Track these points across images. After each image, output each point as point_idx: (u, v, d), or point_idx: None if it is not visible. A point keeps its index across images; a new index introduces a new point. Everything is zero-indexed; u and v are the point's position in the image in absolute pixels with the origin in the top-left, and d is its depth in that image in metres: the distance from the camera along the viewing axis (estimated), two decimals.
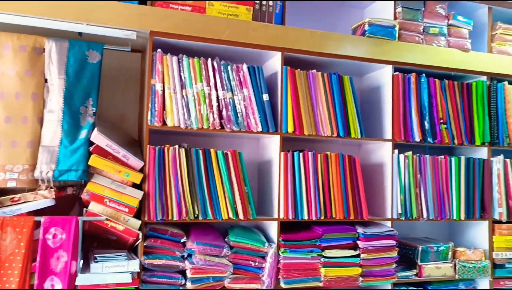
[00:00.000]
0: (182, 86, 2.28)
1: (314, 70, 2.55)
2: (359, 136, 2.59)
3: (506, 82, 2.94)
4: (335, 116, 2.55)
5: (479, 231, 2.91)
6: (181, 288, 2.21)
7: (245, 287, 2.31)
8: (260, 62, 2.67)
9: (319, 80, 2.54)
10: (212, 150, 2.31)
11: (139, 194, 2.15)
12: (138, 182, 2.17)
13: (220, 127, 2.33)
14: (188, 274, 2.20)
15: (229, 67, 2.37)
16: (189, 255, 2.24)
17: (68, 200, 2.27)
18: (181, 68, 2.29)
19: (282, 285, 2.37)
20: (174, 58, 2.28)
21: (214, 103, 2.31)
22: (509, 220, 2.86)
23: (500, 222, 2.86)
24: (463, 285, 2.80)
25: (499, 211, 2.83)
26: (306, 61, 2.63)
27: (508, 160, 2.90)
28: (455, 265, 2.74)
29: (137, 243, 2.20)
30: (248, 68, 2.40)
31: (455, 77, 2.93)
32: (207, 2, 2.38)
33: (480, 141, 2.84)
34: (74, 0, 2.10)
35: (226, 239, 2.32)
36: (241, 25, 2.38)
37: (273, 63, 2.57)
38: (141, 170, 2.20)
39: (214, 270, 2.24)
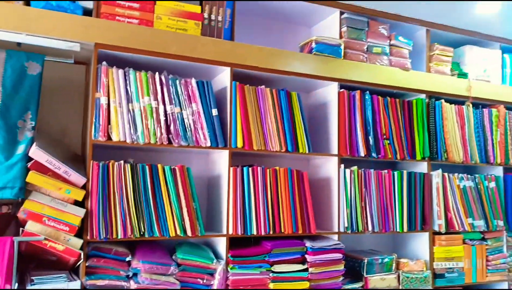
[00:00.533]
0: (128, 100, 2.23)
1: (263, 86, 2.58)
2: (307, 151, 2.64)
3: (443, 100, 3.11)
4: (283, 131, 2.58)
5: (420, 242, 3.03)
6: None
7: None
8: (209, 77, 2.66)
9: (267, 96, 2.57)
10: (159, 166, 2.26)
11: (81, 211, 2.06)
12: (80, 199, 2.08)
13: (167, 142, 2.29)
14: None
15: (177, 82, 2.35)
16: (135, 274, 2.17)
17: (3, 220, 2.14)
18: (128, 82, 2.24)
19: None
20: (120, 71, 2.23)
21: (162, 118, 2.27)
22: (447, 231, 3.00)
23: (439, 233, 2.99)
24: None
25: (439, 223, 2.97)
26: (255, 76, 2.66)
27: (446, 174, 3.05)
28: (399, 276, 2.83)
29: (78, 263, 2.09)
30: (197, 82, 2.39)
31: (397, 94, 3.06)
32: (155, 15, 2.35)
33: (420, 156, 2.97)
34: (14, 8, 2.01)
35: (173, 257, 2.27)
36: (189, 39, 2.37)
37: (222, 78, 2.57)
38: (84, 187, 2.11)
39: (160, 289, 2.17)
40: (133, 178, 2.19)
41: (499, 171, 3.30)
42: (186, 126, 2.33)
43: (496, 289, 3.26)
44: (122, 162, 2.18)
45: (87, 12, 2.24)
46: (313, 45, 2.72)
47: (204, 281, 2.30)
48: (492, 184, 3.22)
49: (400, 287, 2.82)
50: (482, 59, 3.32)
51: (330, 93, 2.85)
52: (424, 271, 2.89)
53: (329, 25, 2.95)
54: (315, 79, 2.74)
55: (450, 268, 2.99)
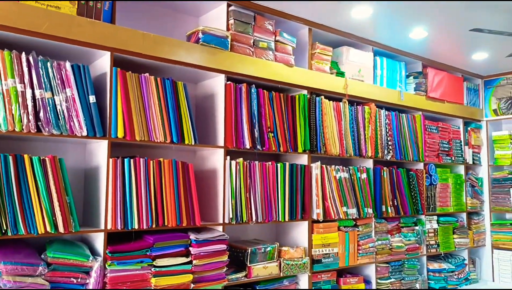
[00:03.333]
0: None
1: (147, 74, 2.47)
2: (193, 143, 2.60)
3: (323, 97, 3.31)
4: (168, 122, 2.51)
5: (300, 230, 3.19)
6: None
7: None
8: (87, 61, 2.48)
9: (152, 85, 2.48)
10: (26, 156, 2.04)
11: None
12: None
13: (36, 130, 2.07)
14: None
15: (48, 64, 2.13)
16: None
17: None
18: None
19: None
20: None
21: (29, 103, 2.04)
22: (325, 220, 3.20)
23: (317, 221, 3.18)
24: (287, 281, 3.03)
25: (317, 212, 3.16)
26: (138, 64, 2.54)
27: (324, 166, 3.25)
28: (280, 264, 2.95)
29: None
30: (72, 66, 2.20)
31: (281, 89, 3.17)
32: None
33: (302, 149, 3.12)
34: None
35: (42, 256, 2.07)
36: (63, 18, 2.17)
37: (102, 63, 2.41)
38: None
39: None
40: None
41: (369, 164, 3.61)
42: (59, 113, 2.13)
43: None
44: None
45: None
46: (200, 35, 2.68)
47: (79, 280, 2.14)
48: (364, 175, 3.52)
49: (281, 274, 2.94)
50: (357, 60, 3.60)
51: (217, 85, 2.85)
52: (303, 257, 3.05)
53: (216, 16, 2.94)
54: (202, 70, 2.71)
55: (327, 253, 3.19)
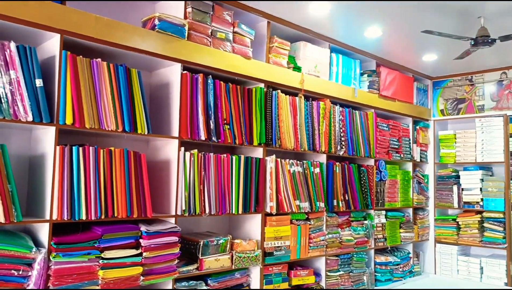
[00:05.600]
0: None
1: (99, 59, 2.38)
2: (146, 132, 2.53)
3: (279, 91, 3.32)
4: (120, 109, 2.43)
5: (253, 223, 3.20)
6: None
7: None
8: (35, 43, 2.35)
9: (104, 70, 2.39)
10: None
11: None
12: None
13: None
14: None
15: None
16: None
17: None
18: None
19: None
20: None
21: None
22: (278, 213, 3.23)
23: (271, 214, 3.20)
24: (239, 274, 3.03)
25: (270, 205, 3.18)
26: (90, 48, 2.43)
27: (278, 160, 3.27)
28: (232, 256, 2.94)
29: None
30: (18, 47, 2.08)
31: (238, 81, 3.16)
32: None
33: (257, 142, 3.13)
34: None
35: None
36: None
37: (51, 45, 2.29)
38: None
39: None
40: None
41: (323, 158, 3.68)
42: (1, 96, 2.01)
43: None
44: None
45: None
46: (156, 22, 2.61)
47: (20, 272, 2.04)
48: (317, 170, 3.57)
49: (233, 267, 2.94)
50: (314, 56, 3.64)
51: (172, 73, 2.79)
52: (256, 250, 3.06)
53: (174, 4, 2.87)
54: (157, 58, 2.64)
55: (278, 246, 3.23)
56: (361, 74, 4.20)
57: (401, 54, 4.24)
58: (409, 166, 4.72)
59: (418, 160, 4.84)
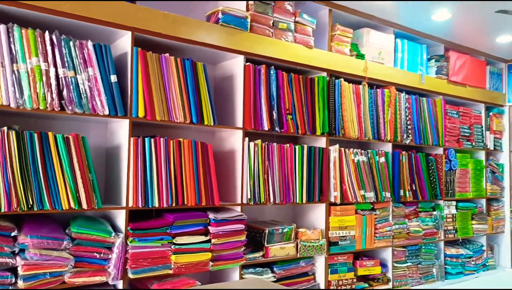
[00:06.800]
0: (13, 59, 2.00)
1: (167, 54, 2.48)
2: (212, 123, 2.62)
3: (342, 79, 3.28)
4: (188, 102, 2.53)
5: (318, 212, 3.20)
6: (11, 287, 1.95)
7: (89, 280, 2.15)
8: (109, 40, 2.50)
9: (172, 65, 2.49)
10: (50, 134, 2.09)
11: None
12: None
13: (60, 108, 2.11)
14: (20, 271, 1.96)
15: (71, 43, 2.16)
16: (22, 250, 2.00)
17: None
18: (12, 39, 2.01)
19: (130, 275, 2.27)
20: (2, 26, 1.99)
21: (53, 82, 2.08)
22: (342, 202, 3.20)
23: (335, 204, 3.18)
24: (304, 262, 3.05)
25: (334, 195, 3.16)
26: (158, 44, 2.55)
27: (342, 149, 3.24)
28: (297, 245, 2.97)
29: None
30: (94, 45, 2.23)
31: (300, 71, 3.15)
32: None
33: (320, 132, 3.12)
34: None
35: (67, 231, 2.12)
36: None
37: (123, 42, 2.43)
38: None
39: (51, 265, 2.04)
40: (19, 147, 2.00)
41: (388, 147, 3.58)
42: (81, 92, 2.17)
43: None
44: (5, 128, 1.97)
45: None
46: (220, 15, 2.68)
47: (101, 255, 2.20)
48: (382, 159, 3.49)
49: (298, 255, 2.97)
50: (378, 42, 3.54)
51: (236, 66, 2.85)
52: (320, 239, 3.07)
53: None
54: (221, 51, 2.71)
55: (343, 236, 3.20)
56: (428, 60, 4.02)
57: (472, 36, 4.00)
58: (481, 155, 4.46)
59: (492, 148, 4.57)
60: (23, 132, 2.02)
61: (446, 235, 3.99)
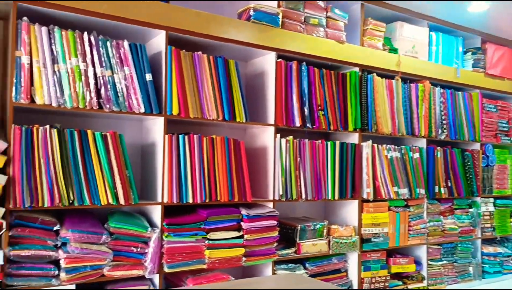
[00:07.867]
0: (54, 60, 2.08)
1: (200, 52, 2.52)
2: (244, 120, 2.64)
3: (375, 74, 3.23)
4: (220, 99, 2.55)
5: (350, 209, 3.17)
6: (53, 280, 2.04)
7: (126, 273, 2.22)
8: (143, 40, 2.55)
9: (204, 63, 2.52)
10: (89, 131, 2.16)
11: (2, 179, 1.92)
12: (0, 165, 1.93)
13: (98, 107, 2.18)
14: (62, 264, 2.04)
15: (108, 43, 2.22)
16: (64, 244, 2.08)
17: None
18: (53, 41, 2.09)
19: (166, 269, 2.33)
20: (44, 28, 2.07)
21: (91, 81, 2.15)
22: (375, 199, 3.17)
23: (367, 201, 3.15)
24: (336, 259, 3.04)
25: (367, 191, 3.12)
26: (191, 42, 2.58)
27: (375, 145, 3.20)
28: (329, 242, 2.96)
29: (0, 234, 1.96)
30: (130, 45, 2.28)
31: (332, 67, 3.13)
32: None
33: (352, 127, 3.09)
34: None
35: (105, 225, 2.19)
36: None
37: (157, 42, 2.47)
38: (5, 152, 1.96)
39: (91, 258, 2.11)
40: (61, 144, 2.07)
41: (422, 143, 3.51)
42: (118, 90, 2.23)
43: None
44: (47, 126, 2.05)
45: None
46: (251, 12, 2.69)
47: (138, 249, 2.26)
48: (416, 155, 3.43)
49: (330, 252, 2.96)
50: (411, 36, 3.47)
51: (267, 62, 2.85)
52: (353, 236, 3.04)
53: None
54: (253, 48, 2.72)
55: (376, 233, 3.17)
56: (464, 53, 3.91)
57: (510, 28, 3.86)
58: None
59: None
60: (64, 130, 2.10)
61: (483, 233, 3.88)
